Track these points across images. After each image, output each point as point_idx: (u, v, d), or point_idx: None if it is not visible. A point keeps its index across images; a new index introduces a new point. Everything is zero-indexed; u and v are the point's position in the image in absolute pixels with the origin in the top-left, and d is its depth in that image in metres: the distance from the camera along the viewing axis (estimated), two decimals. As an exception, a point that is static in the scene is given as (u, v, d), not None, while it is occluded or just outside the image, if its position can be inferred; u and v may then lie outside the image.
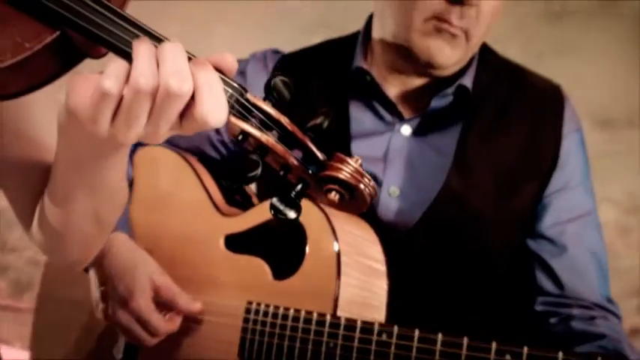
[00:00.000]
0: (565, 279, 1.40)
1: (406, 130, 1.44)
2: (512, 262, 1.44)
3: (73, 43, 0.87)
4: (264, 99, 0.87)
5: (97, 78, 0.82)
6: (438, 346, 1.16)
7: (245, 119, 0.86)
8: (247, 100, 0.86)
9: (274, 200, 0.85)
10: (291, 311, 1.29)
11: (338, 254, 1.29)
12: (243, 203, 1.50)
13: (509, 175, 1.42)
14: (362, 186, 0.86)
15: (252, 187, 1.66)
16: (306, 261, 1.31)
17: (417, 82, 1.45)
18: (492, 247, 1.41)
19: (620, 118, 2.52)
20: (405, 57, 1.41)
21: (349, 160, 0.87)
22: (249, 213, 1.42)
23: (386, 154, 1.43)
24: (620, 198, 2.45)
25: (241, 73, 1.53)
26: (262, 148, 0.86)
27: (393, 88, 1.47)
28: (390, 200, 1.41)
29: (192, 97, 0.82)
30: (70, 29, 0.85)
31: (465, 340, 1.15)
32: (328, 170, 0.87)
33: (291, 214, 0.85)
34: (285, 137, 0.87)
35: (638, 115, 2.50)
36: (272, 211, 0.85)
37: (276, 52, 1.56)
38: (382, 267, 1.33)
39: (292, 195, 0.86)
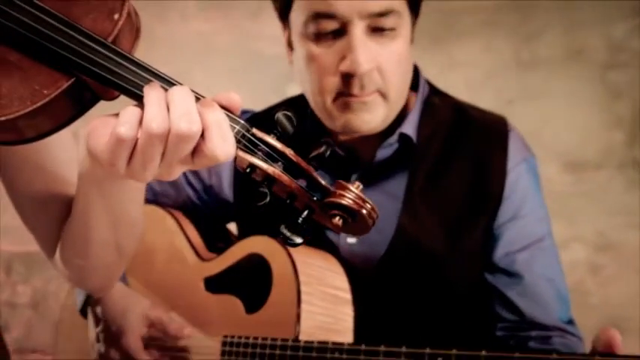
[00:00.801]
0: (522, 306, 1.45)
1: (354, 179, 1.45)
2: (471, 294, 1.49)
3: (88, 87, 0.92)
4: (269, 133, 0.93)
5: (113, 122, 0.89)
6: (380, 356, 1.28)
7: (252, 153, 0.91)
8: (253, 135, 0.92)
9: (282, 227, 0.91)
10: (259, 339, 1.39)
11: (298, 285, 1.38)
12: (223, 248, 1.59)
13: (457, 214, 1.46)
14: (364, 211, 0.91)
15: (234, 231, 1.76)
16: (272, 294, 1.41)
17: (359, 135, 1.48)
18: (450, 281, 1.47)
19: (588, 160, 2.62)
20: (336, 127, 1.45)
21: (351, 187, 0.92)
22: (224, 255, 1.53)
23: None
24: (590, 237, 2.53)
25: None
26: (269, 178, 0.91)
27: (343, 141, 1.51)
28: (350, 246, 1.50)
29: (202, 136, 0.88)
30: (84, 75, 0.91)
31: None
32: (332, 197, 0.92)
33: (298, 240, 0.91)
34: (290, 167, 0.92)
35: (606, 157, 2.60)
36: (280, 237, 0.91)
37: (245, 112, 1.62)
38: (347, 295, 1.42)
39: (299, 221, 0.91)
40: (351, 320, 1.41)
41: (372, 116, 1.41)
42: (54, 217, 1.18)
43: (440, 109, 1.53)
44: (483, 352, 1.19)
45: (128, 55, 0.92)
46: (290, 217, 0.92)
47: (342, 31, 1.38)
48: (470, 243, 1.46)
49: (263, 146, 0.92)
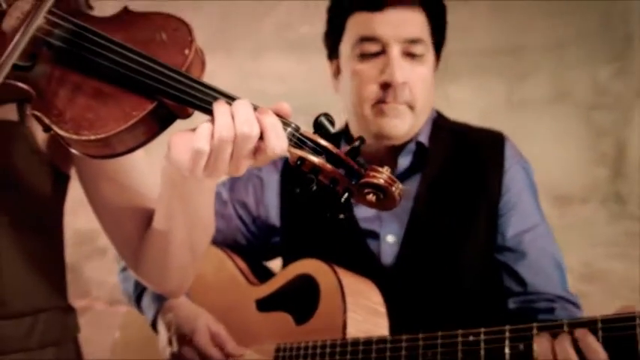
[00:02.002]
0: (528, 278, 1.69)
1: None
2: (483, 278, 1.72)
3: (167, 108, 1.13)
4: (314, 132, 1.12)
5: (189, 136, 1.10)
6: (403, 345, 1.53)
7: (301, 148, 1.11)
8: (302, 134, 1.11)
9: (332, 208, 1.11)
10: (310, 343, 1.61)
11: (343, 296, 1.61)
12: (267, 277, 1.83)
13: (463, 207, 1.72)
14: (393, 188, 1.10)
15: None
16: (320, 306, 1.63)
17: (385, 148, 1.76)
18: (462, 268, 1.71)
19: (574, 195, 2.72)
20: (371, 136, 1.73)
21: (381, 169, 1.11)
22: (274, 279, 1.77)
23: (378, 213, 1.73)
24: (576, 267, 2.63)
25: (257, 175, 1.87)
26: (315, 169, 1.10)
27: (370, 156, 1.75)
28: (389, 247, 1.74)
29: (261, 137, 1.08)
30: (165, 98, 1.12)
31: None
32: (366, 178, 1.11)
33: (341, 215, 1.12)
34: (332, 159, 1.11)
35: (591, 192, 2.70)
36: (328, 214, 1.11)
37: None
38: (382, 309, 1.65)
39: (342, 201, 1.11)
40: (386, 330, 1.62)
41: (400, 122, 1.70)
42: (134, 228, 1.35)
43: (446, 124, 1.81)
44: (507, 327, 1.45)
45: (198, 79, 1.12)
46: (334, 200, 1.11)
47: (381, 52, 1.70)
48: (475, 231, 1.71)
49: (310, 143, 1.11)
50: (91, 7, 1.26)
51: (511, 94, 2.71)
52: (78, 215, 1.59)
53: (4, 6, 1.18)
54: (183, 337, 1.71)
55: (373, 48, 1.71)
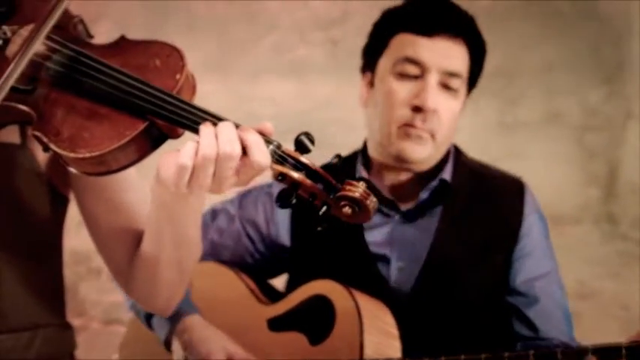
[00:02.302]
0: (539, 324, 1.74)
1: (400, 218, 1.80)
2: (491, 317, 1.77)
3: (159, 129, 1.19)
4: (295, 150, 1.19)
5: (176, 154, 1.15)
6: None
7: (282, 164, 1.17)
8: (283, 152, 1.18)
9: (314, 220, 1.18)
10: None
11: (360, 318, 1.64)
12: (276, 296, 1.84)
13: (481, 246, 1.76)
14: (368, 202, 1.16)
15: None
16: (335, 327, 1.66)
17: (405, 176, 1.79)
18: (472, 304, 1.75)
19: (567, 215, 2.76)
20: (389, 157, 1.77)
21: (357, 184, 1.17)
22: (287, 299, 1.78)
23: (390, 239, 1.79)
24: (569, 286, 2.66)
25: (268, 193, 1.87)
26: (295, 183, 1.17)
27: (389, 185, 1.81)
28: (397, 274, 1.77)
29: (246, 153, 1.15)
30: (157, 118, 1.18)
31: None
32: (343, 191, 1.16)
33: (319, 228, 1.18)
34: (311, 174, 1.17)
35: (583, 213, 2.74)
36: (316, 223, 1.18)
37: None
38: (395, 330, 1.68)
39: (320, 214, 1.17)
40: (399, 352, 1.67)
41: (422, 149, 1.74)
42: (125, 247, 1.40)
43: (467, 162, 1.84)
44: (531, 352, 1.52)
45: (188, 101, 1.19)
46: (313, 213, 1.18)
47: (419, 76, 1.74)
48: (490, 271, 1.76)
49: (291, 159, 1.18)
50: (90, 36, 1.31)
51: (504, 116, 2.75)
52: (73, 236, 1.64)
53: (9, 34, 1.25)
54: (199, 357, 1.71)
55: (413, 70, 1.74)
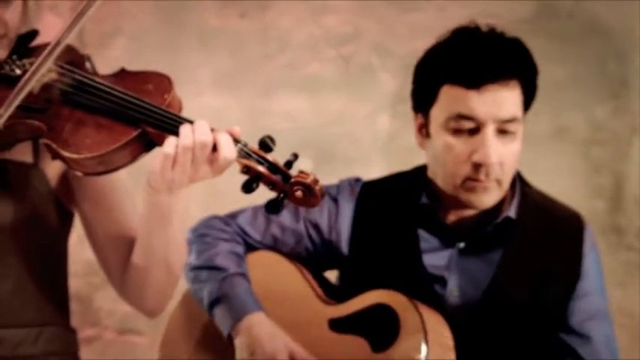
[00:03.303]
0: None
1: (462, 246, 1.83)
2: (542, 351, 1.81)
3: (148, 136, 1.44)
4: (259, 149, 1.43)
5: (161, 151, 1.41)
6: None
7: (247, 159, 1.42)
8: (249, 149, 1.43)
9: (267, 204, 1.43)
10: None
11: (425, 332, 1.70)
12: (338, 295, 1.89)
13: (541, 282, 1.79)
14: (317, 187, 1.42)
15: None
16: (400, 337, 1.72)
17: (470, 212, 1.83)
18: (527, 336, 1.80)
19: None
20: (456, 199, 1.79)
21: (308, 173, 1.43)
22: (351, 302, 1.83)
23: (449, 265, 1.82)
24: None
25: (334, 199, 1.91)
26: (258, 175, 1.42)
27: (451, 217, 1.84)
28: (453, 298, 1.81)
29: (216, 150, 1.40)
30: (147, 126, 1.43)
31: None
32: (296, 178, 1.42)
33: (276, 212, 1.44)
34: (271, 168, 1.42)
35: (589, 224, 2.77)
36: (266, 210, 1.44)
37: (358, 180, 1.96)
38: (451, 342, 1.74)
39: (278, 199, 1.43)
40: None
41: (489, 198, 1.75)
42: (120, 252, 1.60)
43: (532, 197, 1.86)
44: None
45: (171, 111, 1.44)
46: (273, 199, 1.44)
47: (476, 130, 1.72)
48: (548, 307, 1.80)
49: (255, 155, 1.43)
50: (96, 73, 1.55)
51: None
52: (88, 247, 1.75)
53: (28, 67, 1.47)
54: (265, 356, 1.77)
55: (468, 125, 1.72)
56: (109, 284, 1.65)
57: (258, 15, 3.31)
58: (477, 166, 1.72)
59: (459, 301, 1.81)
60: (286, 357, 1.76)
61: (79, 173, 1.45)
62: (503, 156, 1.73)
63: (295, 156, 1.43)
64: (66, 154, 1.42)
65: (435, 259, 1.83)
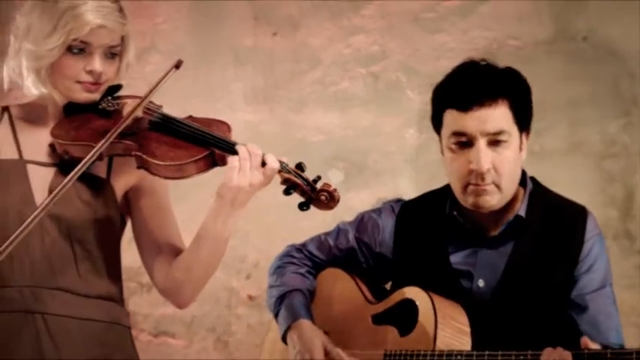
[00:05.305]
0: (587, 330, 2.05)
1: (482, 246, 2.15)
2: (552, 323, 2.10)
3: (214, 156, 1.85)
4: (295, 168, 1.87)
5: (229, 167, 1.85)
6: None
7: (287, 173, 1.85)
8: (288, 167, 1.85)
9: (299, 205, 1.86)
10: (408, 351, 2.05)
11: (435, 317, 2.05)
12: (383, 296, 2.27)
13: (548, 265, 2.09)
14: (336, 193, 1.86)
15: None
16: (418, 323, 2.09)
17: (485, 214, 2.13)
18: (538, 312, 2.10)
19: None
20: (467, 205, 2.10)
21: (330, 184, 1.87)
22: (387, 300, 2.22)
23: (472, 261, 2.14)
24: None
25: (378, 220, 2.28)
26: (294, 184, 1.87)
27: (472, 220, 2.15)
28: (478, 289, 2.13)
29: (265, 165, 1.83)
30: (215, 148, 1.85)
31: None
32: (322, 187, 1.86)
33: (306, 209, 1.87)
34: (303, 180, 1.86)
35: (603, 230, 2.73)
36: (299, 208, 1.86)
37: (399, 200, 2.34)
38: (467, 328, 2.07)
39: (306, 202, 1.87)
40: (469, 347, 2.05)
41: (490, 198, 2.08)
42: (164, 258, 1.96)
43: (541, 195, 2.16)
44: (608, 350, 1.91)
45: (232, 140, 1.87)
46: (303, 201, 1.87)
47: (470, 143, 2.07)
48: (554, 286, 2.10)
49: (292, 172, 1.86)
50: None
51: (532, 145, 2.77)
52: (125, 253, 2.03)
53: (118, 104, 1.93)
54: (305, 355, 2.13)
55: (463, 139, 2.06)
56: (144, 289, 1.97)
57: (290, 34, 3.46)
58: (473, 173, 2.04)
59: (484, 290, 2.12)
60: (322, 355, 2.14)
61: (160, 176, 1.86)
62: (496, 162, 2.04)
63: (319, 177, 1.89)
64: (154, 161, 1.83)
65: (460, 257, 2.16)
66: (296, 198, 1.88)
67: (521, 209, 2.12)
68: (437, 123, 2.16)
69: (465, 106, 2.05)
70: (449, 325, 2.06)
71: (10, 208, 1.85)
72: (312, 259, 2.35)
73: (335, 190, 1.87)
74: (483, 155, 2.03)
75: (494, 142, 2.05)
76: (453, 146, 2.09)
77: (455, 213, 2.16)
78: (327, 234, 2.36)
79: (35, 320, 1.85)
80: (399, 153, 3.33)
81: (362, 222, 2.31)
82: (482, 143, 2.04)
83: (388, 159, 3.34)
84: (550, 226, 2.12)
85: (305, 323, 2.20)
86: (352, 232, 2.31)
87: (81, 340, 1.88)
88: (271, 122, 3.43)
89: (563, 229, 2.12)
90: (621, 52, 3.05)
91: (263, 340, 2.43)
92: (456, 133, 2.07)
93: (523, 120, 2.11)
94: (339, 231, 2.34)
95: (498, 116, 2.05)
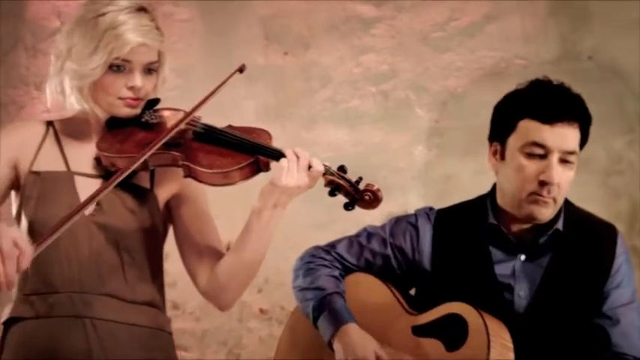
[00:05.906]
0: (617, 342, 2.14)
1: (523, 258, 2.21)
2: (585, 335, 2.17)
3: (259, 163, 1.92)
4: (337, 171, 1.96)
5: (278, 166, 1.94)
6: None
7: (331, 176, 1.95)
8: (332, 169, 1.95)
9: (344, 205, 1.96)
10: None
11: (488, 337, 2.06)
12: (418, 306, 2.24)
13: (581, 279, 2.17)
14: (379, 193, 1.96)
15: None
16: (468, 340, 2.09)
17: (528, 226, 2.20)
18: (573, 324, 2.17)
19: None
20: (520, 215, 2.16)
21: (373, 184, 1.96)
22: (430, 312, 2.20)
23: (514, 272, 2.20)
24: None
25: (414, 226, 2.30)
26: (337, 186, 1.96)
27: (515, 231, 2.21)
28: (520, 301, 2.19)
29: (310, 167, 1.91)
30: (259, 155, 1.92)
31: None
32: (366, 187, 1.96)
33: (351, 209, 1.96)
34: (347, 181, 1.95)
35: None
36: (344, 208, 1.96)
37: (431, 208, 2.35)
38: (510, 344, 2.09)
39: (351, 202, 1.96)
40: None
41: (546, 211, 2.14)
42: (206, 262, 2.02)
43: (574, 212, 2.24)
44: None
45: (277, 148, 1.94)
46: (348, 202, 1.96)
47: (544, 156, 2.12)
48: (586, 300, 2.17)
49: (335, 174, 1.95)
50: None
51: None
52: None
53: (159, 117, 2.01)
54: (357, 358, 2.13)
55: (539, 151, 2.11)
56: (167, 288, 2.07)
57: (301, 53, 3.53)
58: (542, 184, 2.10)
59: (525, 302, 2.17)
60: (374, 359, 2.13)
61: (206, 184, 1.94)
62: (561, 179, 2.12)
63: (360, 178, 1.98)
64: (201, 169, 1.91)
65: (503, 269, 2.20)
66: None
67: (559, 223, 2.19)
68: (505, 130, 2.19)
69: (549, 119, 2.11)
70: (498, 343, 2.08)
71: (59, 217, 1.87)
72: (343, 262, 2.32)
73: (378, 189, 1.95)
74: (556, 170, 2.10)
75: (564, 160, 2.13)
76: (526, 155, 2.13)
77: (498, 223, 2.20)
78: (356, 236, 2.34)
79: (85, 325, 1.92)
80: (408, 169, 3.39)
81: (396, 226, 2.31)
82: (555, 158, 2.11)
83: (397, 175, 3.39)
84: (584, 241, 2.20)
85: (353, 327, 2.18)
86: (386, 237, 2.29)
87: (128, 344, 1.94)
88: (282, 139, 3.29)
89: (596, 245, 2.20)
90: (626, 72, 3.10)
91: (274, 353, 2.41)
92: (534, 144, 2.12)
93: (582, 146, 2.19)
94: (369, 234, 2.32)
95: (574, 137, 2.14)
